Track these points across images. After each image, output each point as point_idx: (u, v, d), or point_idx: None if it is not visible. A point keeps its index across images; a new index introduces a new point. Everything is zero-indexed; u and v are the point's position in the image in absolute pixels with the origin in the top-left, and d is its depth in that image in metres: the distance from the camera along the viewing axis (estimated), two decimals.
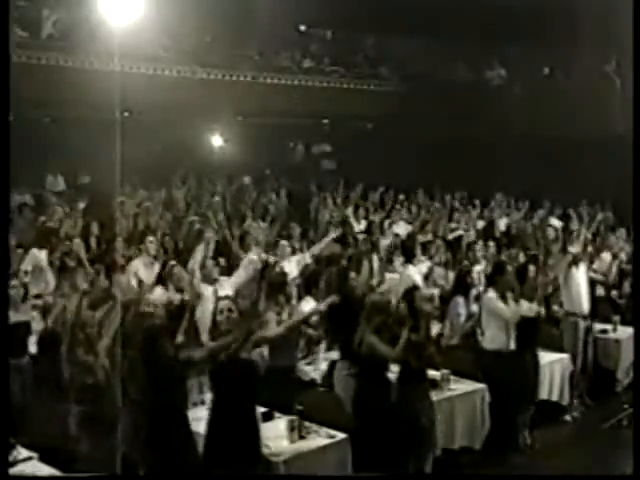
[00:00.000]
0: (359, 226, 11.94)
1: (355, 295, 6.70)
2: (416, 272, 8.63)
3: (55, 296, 7.14)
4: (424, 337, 5.76)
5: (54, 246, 8.86)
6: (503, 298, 6.82)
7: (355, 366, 5.86)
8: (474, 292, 7.59)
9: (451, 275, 8.61)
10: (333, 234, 9.71)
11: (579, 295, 7.84)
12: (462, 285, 7.65)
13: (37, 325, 6.83)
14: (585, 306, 7.87)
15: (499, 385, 6.59)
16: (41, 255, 8.59)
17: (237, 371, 4.80)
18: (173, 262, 7.76)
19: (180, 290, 7.20)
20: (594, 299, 8.21)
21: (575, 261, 7.84)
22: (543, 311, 7.01)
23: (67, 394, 5.10)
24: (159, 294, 7.14)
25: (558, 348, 7.70)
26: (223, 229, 9.85)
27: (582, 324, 7.83)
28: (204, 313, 6.80)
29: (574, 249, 7.93)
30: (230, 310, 4.99)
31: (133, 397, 4.86)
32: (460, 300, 7.49)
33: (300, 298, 7.20)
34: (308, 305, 6.75)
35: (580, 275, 7.89)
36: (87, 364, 5.07)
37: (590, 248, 8.94)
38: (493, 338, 6.83)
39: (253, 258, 8.25)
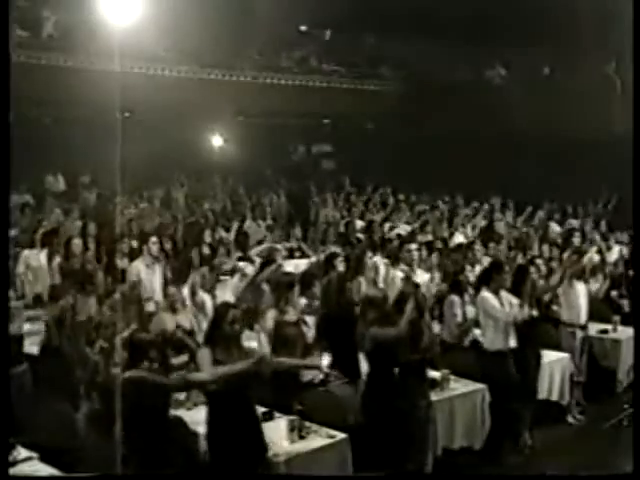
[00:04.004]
0: (359, 227, 11.92)
1: (350, 304, 6.67)
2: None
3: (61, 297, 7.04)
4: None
5: (54, 246, 8.86)
6: (497, 297, 6.82)
7: (347, 375, 5.86)
8: (470, 293, 7.53)
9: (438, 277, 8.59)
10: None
11: (578, 307, 7.79)
12: (457, 285, 7.54)
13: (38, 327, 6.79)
14: (583, 318, 7.83)
15: (500, 385, 6.58)
16: (34, 255, 8.57)
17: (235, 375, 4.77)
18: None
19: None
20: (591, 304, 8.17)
21: (577, 274, 7.82)
22: (535, 313, 6.97)
23: (75, 393, 5.09)
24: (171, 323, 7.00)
25: (558, 348, 7.70)
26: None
27: (579, 334, 7.81)
28: (204, 318, 6.81)
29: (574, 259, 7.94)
30: (241, 320, 4.95)
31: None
32: (455, 300, 7.38)
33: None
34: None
35: (581, 288, 7.85)
36: (98, 363, 5.06)
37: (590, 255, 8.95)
38: (493, 338, 6.82)
39: (255, 264, 8.18)
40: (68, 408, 5.17)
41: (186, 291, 7.24)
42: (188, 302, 7.14)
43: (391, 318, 5.65)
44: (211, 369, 4.68)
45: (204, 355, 4.80)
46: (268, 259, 7.71)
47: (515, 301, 6.82)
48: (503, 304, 6.79)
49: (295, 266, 8.58)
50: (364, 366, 6.03)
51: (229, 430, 4.75)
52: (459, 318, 7.30)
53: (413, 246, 8.84)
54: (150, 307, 7.20)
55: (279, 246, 8.86)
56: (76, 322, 5.87)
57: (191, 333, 6.81)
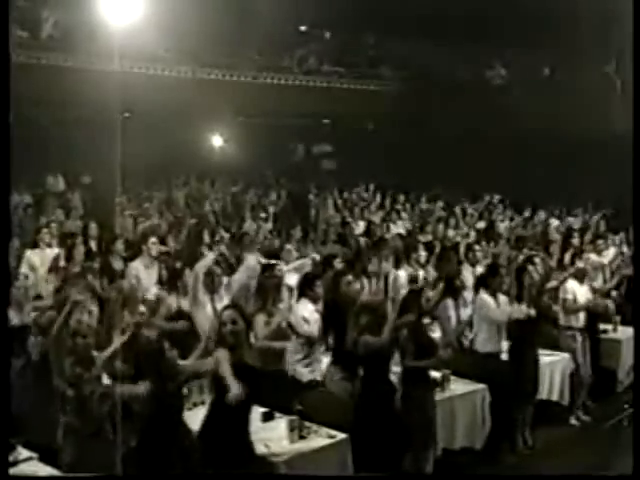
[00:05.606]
0: (358, 227, 11.91)
1: (350, 299, 6.64)
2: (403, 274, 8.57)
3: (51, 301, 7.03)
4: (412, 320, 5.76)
5: (54, 247, 8.83)
6: (495, 299, 6.82)
7: (347, 370, 5.85)
8: (466, 295, 7.45)
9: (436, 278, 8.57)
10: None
11: (576, 310, 7.78)
12: (451, 288, 7.42)
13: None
14: (582, 321, 7.81)
15: (496, 387, 6.58)
16: (36, 256, 8.54)
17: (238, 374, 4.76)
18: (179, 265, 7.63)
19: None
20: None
21: (577, 277, 7.82)
22: (533, 312, 6.96)
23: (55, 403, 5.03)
24: (155, 294, 7.10)
25: (558, 348, 7.69)
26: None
27: (579, 337, 7.79)
28: (204, 319, 6.81)
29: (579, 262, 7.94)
30: (234, 322, 4.81)
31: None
32: (449, 303, 7.29)
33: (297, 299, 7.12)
34: (305, 308, 6.72)
35: (582, 292, 7.82)
36: (75, 375, 4.96)
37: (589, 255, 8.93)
38: (486, 340, 6.82)
39: (251, 263, 8.14)
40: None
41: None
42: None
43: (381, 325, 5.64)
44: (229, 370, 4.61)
45: (222, 355, 4.70)
46: (269, 263, 7.66)
47: (512, 302, 6.83)
48: (500, 306, 6.80)
49: (297, 268, 8.51)
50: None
51: (219, 429, 4.73)
52: (453, 320, 7.29)
53: (421, 246, 8.81)
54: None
55: (310, 259, 8.68)
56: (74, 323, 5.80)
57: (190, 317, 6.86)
